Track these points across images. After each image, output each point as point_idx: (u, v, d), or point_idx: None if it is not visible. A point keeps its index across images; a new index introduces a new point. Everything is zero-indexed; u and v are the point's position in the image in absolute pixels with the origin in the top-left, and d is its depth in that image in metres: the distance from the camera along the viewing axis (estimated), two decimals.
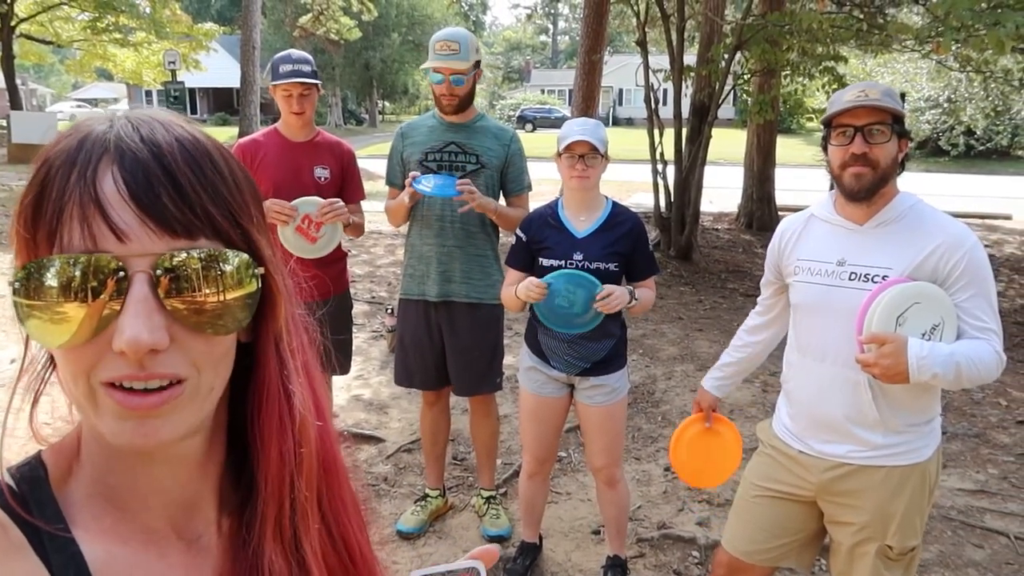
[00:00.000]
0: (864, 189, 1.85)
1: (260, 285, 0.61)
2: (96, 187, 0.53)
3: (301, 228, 2.92)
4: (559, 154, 2.57)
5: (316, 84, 3.04)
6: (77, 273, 0.52)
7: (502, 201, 3.09)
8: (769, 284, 2.23)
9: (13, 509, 0.57)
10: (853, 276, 1.90)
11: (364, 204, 3.35)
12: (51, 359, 0.62)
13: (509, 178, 3.08)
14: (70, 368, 0.55)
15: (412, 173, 2.88)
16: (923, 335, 1.79)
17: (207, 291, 0.56)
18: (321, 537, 0.69)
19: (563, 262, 2.55)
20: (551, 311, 2.52)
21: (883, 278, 1.85)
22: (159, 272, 0.54)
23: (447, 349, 3.11)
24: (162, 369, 0.55)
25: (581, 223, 2.61)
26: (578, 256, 2.55)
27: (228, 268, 0.57)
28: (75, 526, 0.59)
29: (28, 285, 0.53)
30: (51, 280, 0.52)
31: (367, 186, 3.60)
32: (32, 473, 0.60)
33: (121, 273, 0.53)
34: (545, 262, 2.59)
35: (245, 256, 0.59)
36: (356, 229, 3.21)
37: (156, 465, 0.62)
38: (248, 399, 0.66)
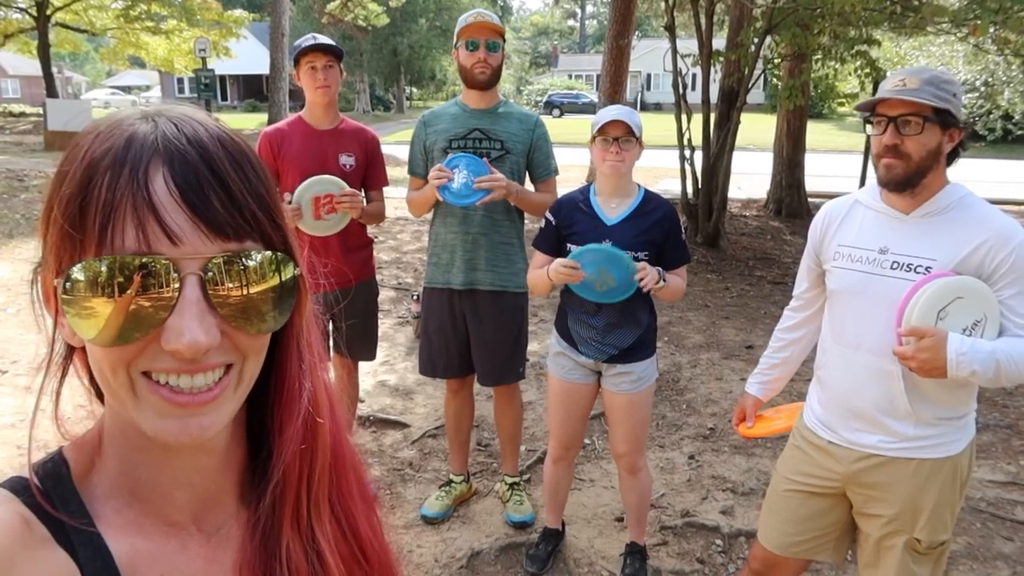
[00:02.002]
0: (893, 181, 1.82)
1: (297, 284, 0.62)
2: (149, 189, 0.54)
3: (317, 199, 2.94)
4: (593, 138, 2.55)
5: (338, 55, 3.06)
6: (134, 274, 0.53)
7: (528, 187, 3.09)
8: (811, 271, 2.16)
9: (39, 505, 0.58)
10: (895, 265, 1.87)
11: (390, 190, 3.36)
12: (68, 354, 0.63)
13: (535, 163, 3.07)
14: (110, 360, 0.56)
15: (438, 173, 2.83)
16: (964, 331, 1.76)
17: (254, 291, 0.58)
18: (332, 527, 0.71)
19: None
20: (583, 287, 2.50)
21: (927, 269, 1.82)
22: (210, 274, 0.55)
23: (471, 338, 3.12)
24: (211, 361, 0.57)
25: (612, 209, 2.59)
26: (607, 243, 2.54)
27: (273, 269, 0.59)
28: (98, 520, 0.60)
29: (82, 284, 0.54)
30: (107, 280, 0.53)
31: (394, 172, 3.61)
32: (55, 469, 0.62)
33: (174, 275, 0.54)
34: (573, 248, 2.57)
35: (287, 257, 0.61)
36: (375, 217, 3.23)
37: (184, 458, 0.63)
38: (269, 392, 0.67)
